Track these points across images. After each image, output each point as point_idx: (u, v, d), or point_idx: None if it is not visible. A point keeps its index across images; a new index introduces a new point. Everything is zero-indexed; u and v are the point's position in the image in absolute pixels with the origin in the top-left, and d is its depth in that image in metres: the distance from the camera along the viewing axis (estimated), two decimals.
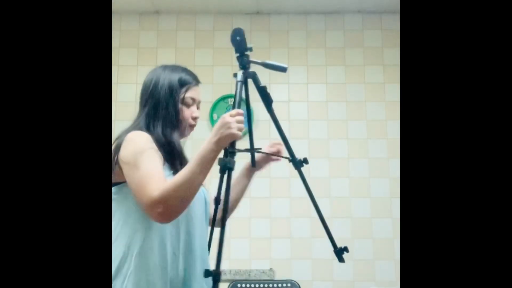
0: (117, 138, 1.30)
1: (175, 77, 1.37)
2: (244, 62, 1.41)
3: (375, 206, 2.75)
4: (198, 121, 1.44)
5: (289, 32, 3.01)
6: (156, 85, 1.36)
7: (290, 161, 1.50)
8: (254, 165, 1.53)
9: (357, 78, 2.95)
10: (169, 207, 1.15)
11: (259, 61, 1.43)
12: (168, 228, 1.24)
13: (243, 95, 1.39)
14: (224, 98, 2.90)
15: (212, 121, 2.87)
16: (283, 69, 1.43)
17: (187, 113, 1.37)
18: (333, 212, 2.73)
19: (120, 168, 1.24)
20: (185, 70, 1.43)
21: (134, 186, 1.18)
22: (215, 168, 1.21)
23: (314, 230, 2.75)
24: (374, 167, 2.83)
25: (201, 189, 1.35)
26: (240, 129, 1.20)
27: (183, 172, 1.17)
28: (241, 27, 1.36)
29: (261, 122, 2.81)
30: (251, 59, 1.41)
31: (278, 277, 2.68)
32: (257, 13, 3.02)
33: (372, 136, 2.87)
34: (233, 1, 2.89)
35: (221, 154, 1.23)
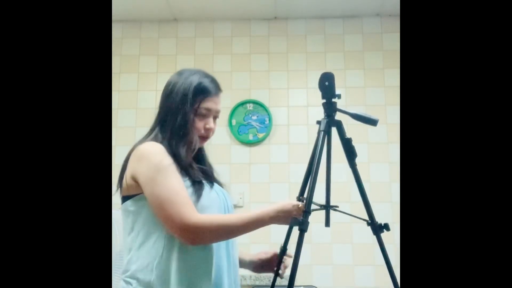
0: (134, 146, 1.26)
1: (191, 85, 1.28)
2: (330, 110, 1.30)
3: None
4: (217, 127, 1.36)
5: (307, 36, 3.01)
6: (171, 91, 1.29)
7: (368, 224, 1.41)
8: (328, 225, 1.48)
9: (376, 81, 2.93)
10: (200, 239, 1.17)
11: (350, 111, 1.31)
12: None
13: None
14: (242, 104, 2.90)
15: (231, 127, 2.87)
16: (374, 123, 1.32)
17: (200, 124, 1.29)
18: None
19: (135, 181, 1.20)
20: (206, 76, 1.33)
21: (158, 203, 1.15)
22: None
23: (335, 236, 2.73)
24: (394, 170, 2.80)
25: (223, 193, 1.32)
26: (298, 216, 1.24)
27: (232, 219, 1.21)
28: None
29: (279, 126, 2.81)
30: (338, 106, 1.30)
31: (298, 283, 2.66)
32: (275, 18, 3.02)
33: (392, 140, 2.84)
34: (251, 7, 2.90)
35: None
